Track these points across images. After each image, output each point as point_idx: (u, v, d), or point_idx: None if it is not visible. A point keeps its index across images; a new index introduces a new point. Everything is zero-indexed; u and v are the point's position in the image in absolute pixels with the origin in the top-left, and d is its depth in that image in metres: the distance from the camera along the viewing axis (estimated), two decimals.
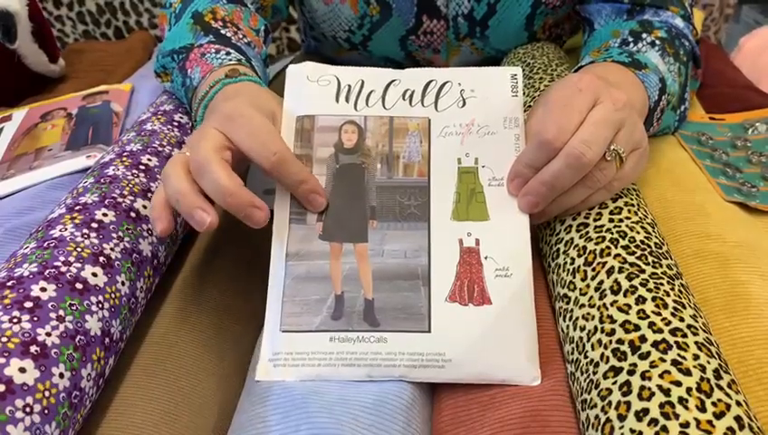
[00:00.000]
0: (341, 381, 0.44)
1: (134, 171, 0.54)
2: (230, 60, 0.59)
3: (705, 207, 0.55)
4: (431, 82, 0.51)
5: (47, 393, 0.38)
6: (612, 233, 0.45)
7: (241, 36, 0.65)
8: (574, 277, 0.44)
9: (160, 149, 0.58)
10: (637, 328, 0.37)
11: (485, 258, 0.46)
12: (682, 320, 0.37)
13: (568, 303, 0.44)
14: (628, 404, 0.34)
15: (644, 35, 0.63)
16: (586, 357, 0.39)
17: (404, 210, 0.48)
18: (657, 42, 0.63)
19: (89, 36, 1.41)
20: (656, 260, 0.42)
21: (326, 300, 0.46)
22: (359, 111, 0.50)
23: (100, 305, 0.44)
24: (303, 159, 0.48)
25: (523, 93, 0.69)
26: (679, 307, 0.38)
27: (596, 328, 0.39)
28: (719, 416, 0.32)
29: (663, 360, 0.35)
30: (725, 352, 0.42)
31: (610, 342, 0.38)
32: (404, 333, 0.45)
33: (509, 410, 0.40)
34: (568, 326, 0.43)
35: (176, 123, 0.63)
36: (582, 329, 0.41)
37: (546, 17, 0.81)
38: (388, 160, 0.49)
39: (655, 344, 0.36)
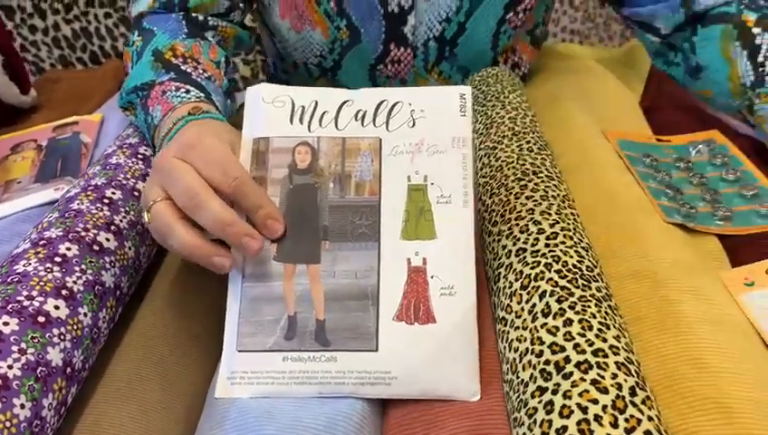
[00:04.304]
0: (296, 401, 0.45)
1: (98, 205, 0.55)
2: (189, 98, 0.61)
3: (645, 228, 0.56)
4: (383, 102, 0.52)
5: (8, 424, 0.39)
6: (547, 257, 0.46)
7: (201, 71, 0.67)
8: (511, 300, 0.46)
9: (124, 182, 0.59)
10: (562, 349, 0.38)
11: (432, 277, 0.47)
12: (605, 341, 0.39)
13: (505, 325, 0.45)
14: (550, 422, 0.35)
15: (757, 39, 0.67)
16: (518, 377, 0.40)
17: (355, 230, 0.49)
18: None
19: (65, 61, 1.43)
20: (585, 283, 0.44)
21: (279, 321, 0.47)
22: (312, 132, 0.51)
23: (62, 337, 0.45)
24: (259, 180, 0.50)
25: (476, 120, 0.71)
26: (603, 328, 0.40)
27: (527, 349, 0.41)
28: (630, 431, 0.33)
29: (584, 379, 0.36)
30: (653, 369, 0.43)
31: (539, 362, 0.39)
32: (353, 352, 0.46)
33: (451, 429, 0.42)
34: (504, 347, 0.44)
35: (140, 156, 0.64)
36: (516, 350, 0.42)
37: (509, 39, 0.83)
38: (341, 180, 0.50)
39: (578, 365, 0.37)
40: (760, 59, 0.67)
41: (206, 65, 0.68)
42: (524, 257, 0.47)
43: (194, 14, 0.74)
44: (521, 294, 0.45)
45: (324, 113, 0.52)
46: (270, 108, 0.52)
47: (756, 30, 0.67)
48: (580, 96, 0.83)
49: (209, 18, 0.75)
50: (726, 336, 0.45)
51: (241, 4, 0.79)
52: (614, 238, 0.56)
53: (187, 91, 0.62)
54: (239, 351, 0.47)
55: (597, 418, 0.34)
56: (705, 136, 0.74)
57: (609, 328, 0.40)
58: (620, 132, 0.74)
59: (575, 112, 0.78)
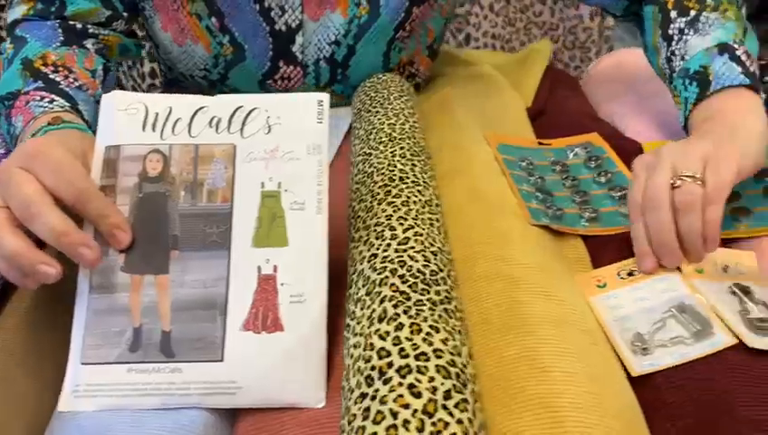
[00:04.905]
0: (136, 415, 0.44)
1: None
2: (52, 108, 0.60)
3: (510, 231, 0.57)
4: (239, 108, 0.51)
5: None
6: (394, 263, 0.46)
7: (72, 80, 0.65)
8: (356, 307, 0.46)
9: None
10: (388, 354, 0.39)
11: (282, 285, 0.47)
12: (431, 344, 0.39)
13: (348, 332, 0.45)
14: (363, 429, 0.35)
15: (670, 29, 0.68)
16: (348, 384, 0.40)
17: (206, 238, 0.48)
18: (684, 23, 0.67)
19: None
20: (425, 287, 0.44)
21: (125, 332, 0.46)
22: (164, 140, 0.50)
23: None
24: (108, 189, 0.49)
25: (360, 126, 0.71)
26: (432, 332, 0.40)
27: (360, 356, 0.41)
28: None
29: (401, 384, 0.36)
30: (493, 370, 0.44)
31: (366, 368, 0.39)
32: (198, 362, 0.45)
33: None
34: (345, 355, 0.44)
35: None
36: (351, 357, 0.42)
37: (401, 54, 0.84)
38: (193, 188, 0.49)
39: (399, 369, 0.37)
40: (668, 54, 0.69)
41: (80, 74, 0.67)
42: (374, 263, 0.47)
43: (71, 23, 0.72)
44: (364, 300, 0.45)
45: (178, 120, 0.51)
46: (122, 115, 0.51)
47: (673, 14, 0.69)
48: (470, 101, 0.85)
49: (89, 26, 0.73)
50: (568, 337, 0.46)
51: (125, 14, 0.77)
52: (479, 241, 0.57)
53: (51, 101, 0.61)
54: (83, 363, 0.46)
55: (405, 423, 0.34)
56: (583, 139, 0.76)
57: (438, 331, 0.40)
58: (501, 137, 0.75)
59: (462, 118, 0.79)
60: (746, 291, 0.52)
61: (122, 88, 1.42)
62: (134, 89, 1.50)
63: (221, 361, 0.45)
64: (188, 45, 0.79)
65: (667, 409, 0.45)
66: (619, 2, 0.78)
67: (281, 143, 0.50)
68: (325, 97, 0.51)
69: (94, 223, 0.47)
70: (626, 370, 0.47)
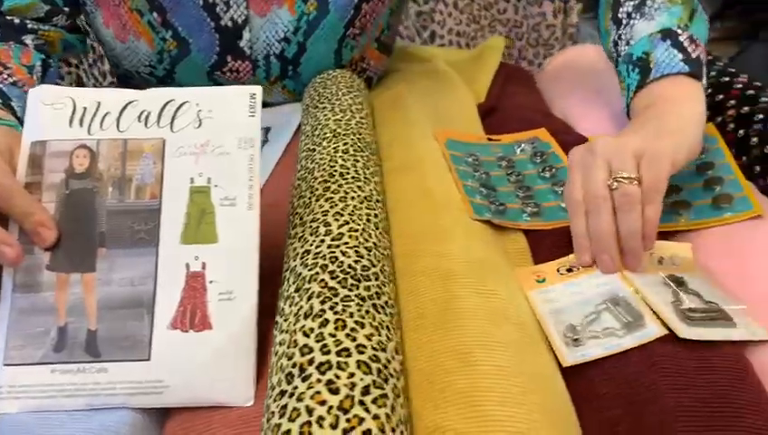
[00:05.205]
0: (61, 417, 0.43)
1: None
2: None
3: (451, 226, 0.57)
4: (170, 102, 0.50)
5: None
6: (325, 259, 0.46)
7: (6, 76, 0.64)
8: (285, 304, 0.45)
9: None
10: (311, 351, 0.38)
11: (211, 282, 0.46)
12: (354, 340, 0.39)
13: (276, 329, 0.45)
14: (279, 426, 0.35)
15: (620, 13, 0.68)
16: (270, 382, 0.40)
17: (134, 235, 0.47)
18: (632, 6, 0.67)
19: None
20: (355, 283, 0.44)
21: (49, 332, 0.45)
22: (92, 135, 0.49)
23: None
24: (33, 186, 0.47)
25: (306, 122, 0.70)
26: (357, 327, 0.40)
27: (283, 353, 0.40)
28: (348, 431, 0.33)
29: (319, 381, 0.36)
30: (425, 364, 0.43)
31: (288, 365, 0.38)
32: (124, 362, 0.44)
33: None
34: (272, 353, 0.44)
35: None
36: (276, 354, 0.41)
37: (353, 52, 0.83)
38: (121, 184, 0.48)
39: (319, 366, 0.37)
40: (615, 37, 0.69)
41: (15, 70, 0.66)
42: (306, 260, 0.47)
43: (9, 18, 0.71)
44: (293, 297, 0.44)
45: (107, 114, 0.50)
46: (49, 110, 0.50)
47: None
48: (422, 98, 0.84)
49: (28, 22, 0.72)
50: (500, 331, 0.45)
51: (65, 9, 0.75)
52: (422, 236, 0.57)
53: None
54: (6, 364, 0.45)
55: (319, 419, 0.33)
56: (530, 135, 0.76)
57: (363, 327, 0.40)
58: (450, 132, 0.75)
59: (414, 114, 0.79)
60: (680, 282, 0.52)
61: (83, 85, 1.39)
62: (95, 86, 1.48)
63: (148, 360, 0.44)
64: (131, 42, 0.78)
65: (599, 400, 0.45)
66: None
67: (211, 137, 0.49)
68: (258, 90, 0.51)
69: (19, 221, 0.46)
70: (559, 362, 0.47)
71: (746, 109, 0.69)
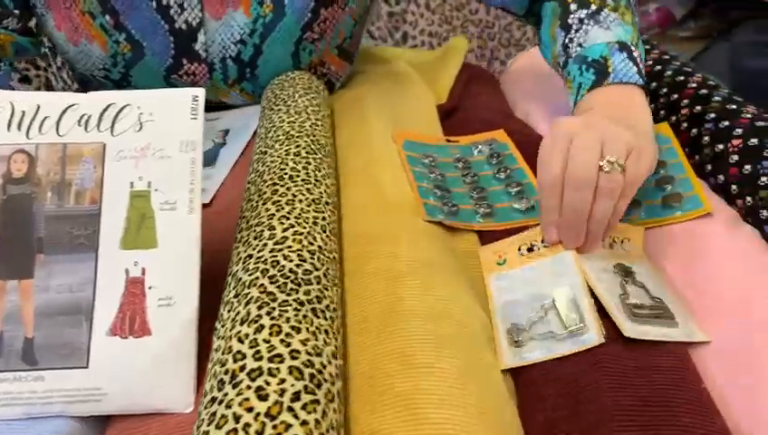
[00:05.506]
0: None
1: None
2: None
3: (403, 227, 0.57)
4: (110, 105, 0.50)
5: None
6: (267, 263, 0.45)
7: None
8: (224, 309, 0.45)
9: None
10: (243, 357, 0.38)
11: (150, 288, 0.45)
12: (288, 345, 0.38)
13: (215, 335, 0.44)
14: (207, 433, 0.34)
15: (570, 19, 0.68)
16: (205, 389, 0.39)
17: (73, 241, 0.46)
18: (584, 14, 0.68)
19: None
20: (294, 287, 0.43)
21: None
22: (31, 139, 0.48)
23: None
24: None
25: (261, 124, 0.70)
26: (293, 332, 0.39)
27: (218, 360, 0.40)
28: None
29: (249, 387, 0.35)
30: (366, 367, 0.43)
31: (220, 372, 0.38)
32: (61, 370, 0.44)
33: None
34: (209, 360, 0.43)
35: None
36: (212, 361, 0.41)
37: (311, 55, 0.83)
38: (60, 189, 0.47)
39: (250, 372, 0.36)
40: (566, 40, 0.69)
41: None
42: (248, 265, 0.46)
43: None
44: (232, 303, 0.44)
45: (46, 118, 0.49)
46: None
47: (573, 6, 0.69)
48: (382, 99, 0.84)
49: None
50: (442, 332, 0.45)
51: (16, 12, 0.74)
52: (373, 238, 0.56)
53: None
54: None
55: (246, 426, 0.33)
56: (488, 136, 0.76)
57: (299, 332, 0.40)
58: (408, 134, 0.75)
59: (372, 115, 0.78)
60: (628, 272, 0.53)
61: (52, 89, 1.38)
62: (64, 89, 1.46)
63: (86, 367, 0.44)
64: (84, 45, 0.77)
65: (544, 402, 0.45)
66: (520, 1, 0.78)
67: (152, 141, 0.49)
68: (200, 92, 0.50)
69: None
70: None
71: (699, 108, 0.69)
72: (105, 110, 0.49)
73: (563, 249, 0.54)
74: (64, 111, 0.49)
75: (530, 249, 0.56)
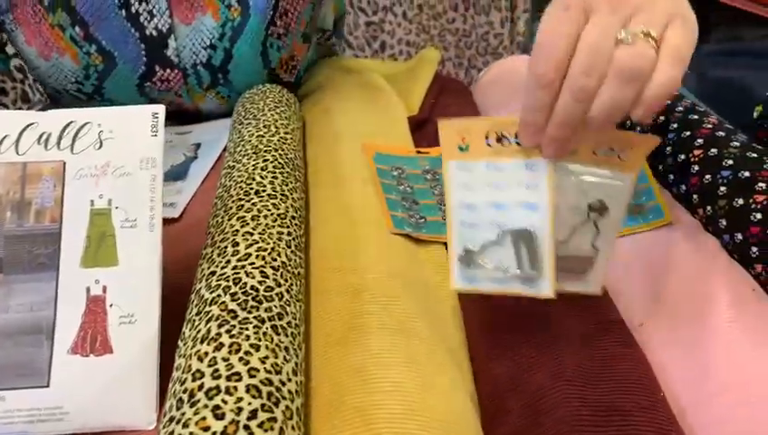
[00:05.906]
0: None
1: None
2: None
3: (369, 241, 0.57)
4: (70, 123, 0.50)
5: None
6: (229, 280, 0.45)
7: None
8: (186, 327, 0.45)
9: None
10: (202, 376, 0.38)
11: (111, 306, 0.45)
12: (247, 363, 0.38)
13: (177, 354, 0.44)
14: None
15: None
16: (165, 408, 0.39)
17: (33, 260, 0.46)
18: None
19: None
20: (255, 305, 0.43)
21: None
22: None
23: None
24: None
25: (230, 139, 0.70)
26: (252, 350, 0.39)
27: (177, 378, 0.40)
28: None
29: (206, 406, 0.35)
30: (327, 384, 0.43)
31: (179, 392, 0.38)
32: (22, 390, 0.44)
33: None
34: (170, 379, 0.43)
35: None
36: (172, 380, 0.41)
37: (280, 52, 0.83)
38: (20, 208, 0.47)
39: (208, 391, 0.36)
40: None
41: None
42: (210, 282, 0.46)
43: None
44: (194, 321, 0.44)
45: (5, 137, 0.49)
46: None
47: None
48: (351, 111, 0.84)
49: None
50: (401, 345, 0.45)
51: None
52: (339, 252, 0.56)
53: None
54: None
55: None
56: None
57: (258, 350, 0.40)
58: (378, 146, 0.75)
59: (342, 128, 0.79)
60: (603, 208, 0.46)
61: (29, 101, 1.37)
62: (41, 101, 1.45)
63: (47, 386, 0.44)
64: (55, 58, 0.77)
65: (508, 416, 0.45)
66: None
67: (112, 158, 0.49)
68: (160, 109, 0.50)
69: None
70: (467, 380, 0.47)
71: (662, 118, 0.70)
72: (65, 128, 0.49)
73: (540, 155, 0.44)
74: (24, 130, 0.49)
75: (499, 139, 0.45)
